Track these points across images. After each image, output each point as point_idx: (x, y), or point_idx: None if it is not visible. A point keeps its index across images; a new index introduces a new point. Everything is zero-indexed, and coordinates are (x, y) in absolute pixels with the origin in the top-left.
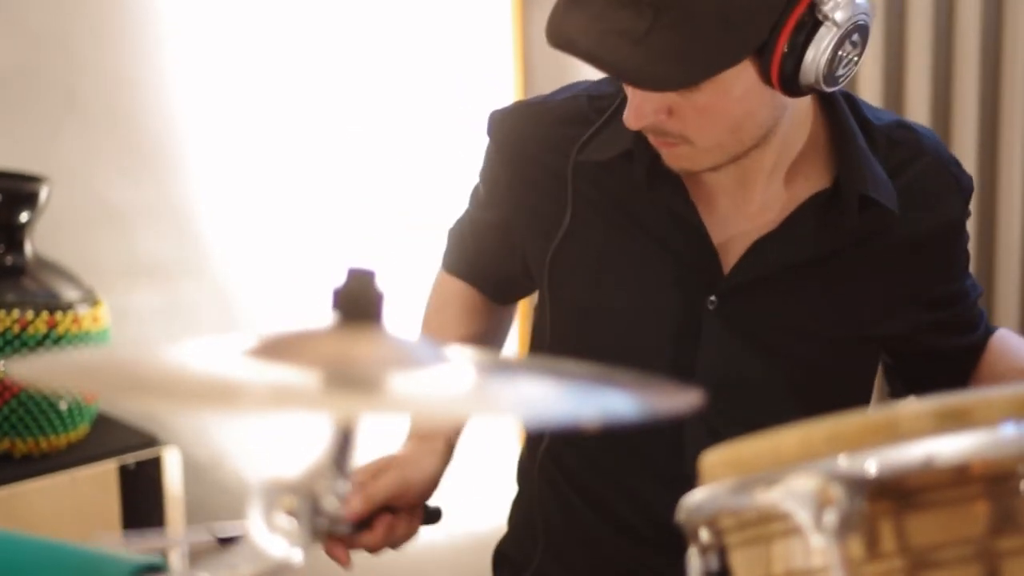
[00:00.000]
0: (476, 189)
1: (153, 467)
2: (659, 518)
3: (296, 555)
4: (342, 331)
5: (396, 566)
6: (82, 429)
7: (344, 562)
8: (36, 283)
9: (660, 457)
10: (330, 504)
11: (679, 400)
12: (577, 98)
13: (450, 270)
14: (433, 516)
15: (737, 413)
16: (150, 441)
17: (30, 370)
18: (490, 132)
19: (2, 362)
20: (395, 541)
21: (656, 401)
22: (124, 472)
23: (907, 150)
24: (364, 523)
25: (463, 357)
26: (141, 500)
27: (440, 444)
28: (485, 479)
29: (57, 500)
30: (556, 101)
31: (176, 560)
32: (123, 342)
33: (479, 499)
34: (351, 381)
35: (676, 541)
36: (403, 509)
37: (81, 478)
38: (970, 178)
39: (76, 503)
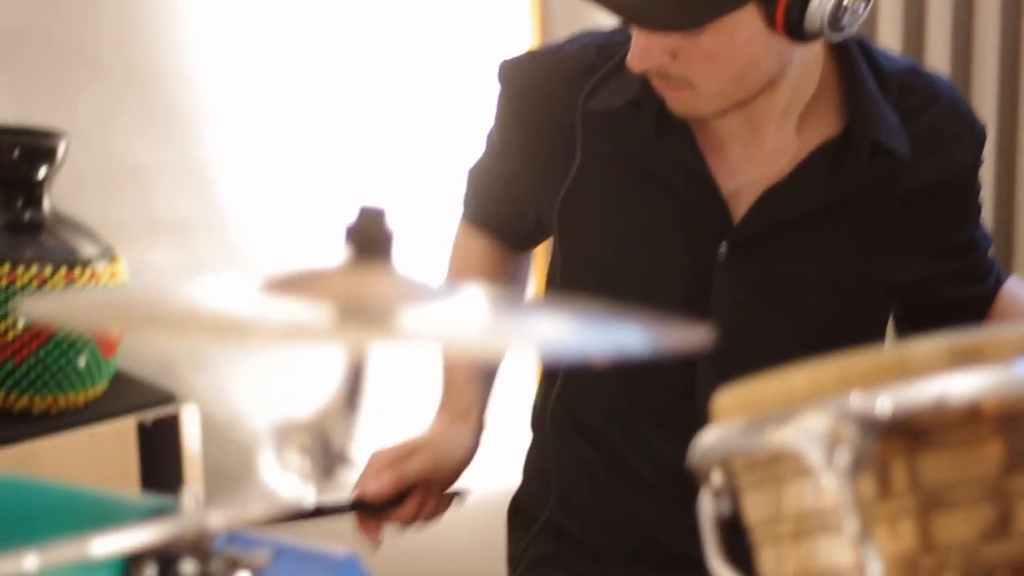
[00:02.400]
0: (490, 136)
1: (171, 424)
2: (670, 468)
3: (308, 494)
4: (353, 268)
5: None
6: (100, 386)
7: (375, 539)
8: (54, 239)
9: (671, 408)
10: (342, 442)
11: (691, 336)
12: (587, 48)
13: (470, 220)
14: (460, 497)
15: (748, 363)
16: (168, 398)
17: (45, 308)
18: (501, 80)
19: (21, 318)
20: (425, 517)
21: (668, 337)
22: (142, 429)
23: (920, 97)
24: (396, 499)
25: (475, 295)
26: (159, 457)
27: (472, 423)
28: (501, 435)
29: (75, 457)
30: (566, 51)
31: (189, 502)
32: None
33: (494, 456)
34: (363, 315)
35: (688, 491)
36: (434, 489)
37: (99, 435)
38: (983, 125)
39: (94, 460)
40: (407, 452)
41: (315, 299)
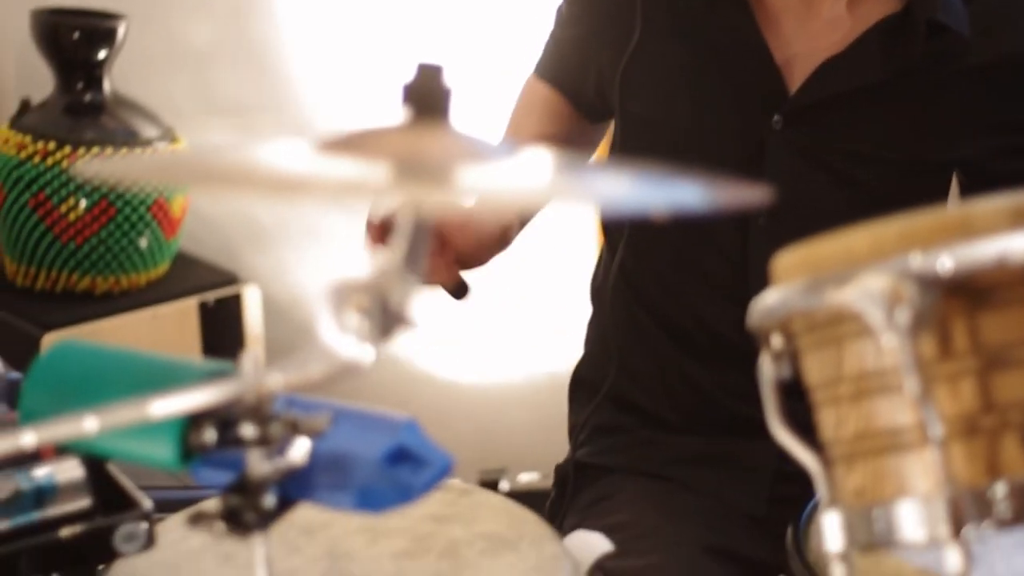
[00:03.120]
0: (559, 8)
1: (233, 305)
2: (725, 338)
3: (367, 354)
4: (411, 127)
5: (474, 404)
6: (162, 267)
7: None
8: (115, 121)
9: (725, 278)
10: (400, 301)
11: (747, 195)
12: None
13: (541, 75)
14: (463, 289)
15: (801, 231)
16: (230, 279)
17: (101, 168)
18: None
19: (83, 200)
20: (432, 274)
21: (725, 195)
22: (204, 310)
23: None
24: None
25: (534, 154)
26: (221, 338)
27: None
28: (560, 314)
29: (137, 338)
30: None
31: (248, 364)
32: None
33: (554, 336)
34: (420, 172)
35: (743, 360)
36: (453, 244)
37: (161, 316)
38: None
39: (156, 341)
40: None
41: (372, 158)
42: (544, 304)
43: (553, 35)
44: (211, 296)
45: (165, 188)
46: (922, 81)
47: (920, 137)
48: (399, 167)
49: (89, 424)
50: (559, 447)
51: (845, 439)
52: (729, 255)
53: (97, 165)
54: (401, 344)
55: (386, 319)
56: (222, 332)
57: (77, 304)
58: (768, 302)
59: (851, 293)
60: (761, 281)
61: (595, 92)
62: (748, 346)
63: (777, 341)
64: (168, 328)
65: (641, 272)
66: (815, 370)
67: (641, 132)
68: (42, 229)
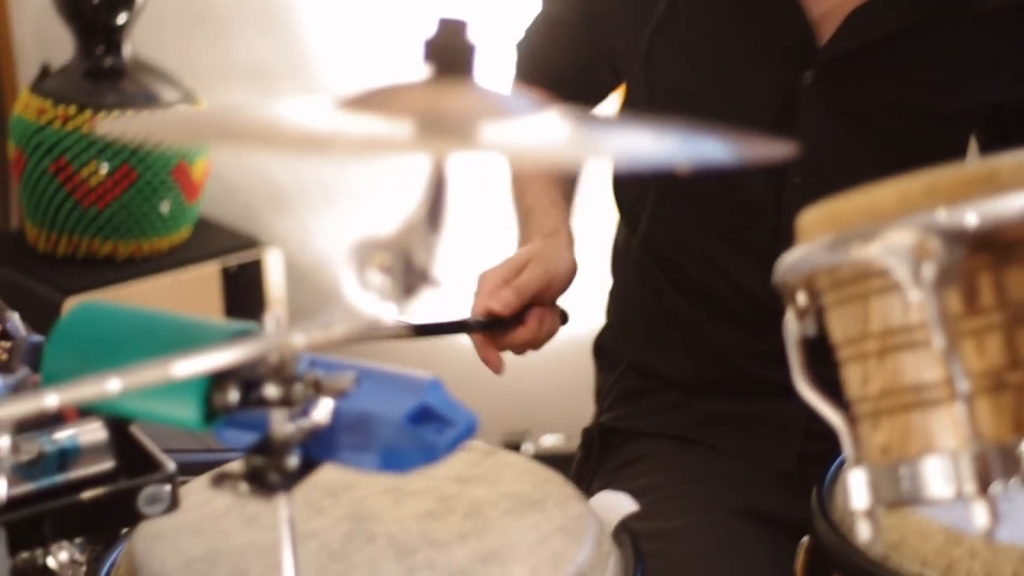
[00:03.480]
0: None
1: (254, 270)
2: (759, 302)
3: (389, 312)
4: (434, 83)
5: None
6: (184, 232)
7: (497, 367)
8: (135, 85)
9: (758, 237)
10: (423, 259)
11: (774, 149)
12: None
13: (524, 80)
14: (564, 317)
15: (834, 188)
16: (251, 243)
17: (124, 127)
18: None
19: (104, 164)
20: (542, 337)
21: (750, 148)
22: (226, 275)
23: None
24: (514, 319)
25: (558, 112)
26: (243, 303)
27: (566, 238)
28: (582, 277)
29: (159, 303)
30: None
31: (271, 324)
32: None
33: (577, 299)
34: (443, 128)
35: (772, 320)
36: (547, 303)
37: (183, 280)
38: None
39: (178, 306)
40: (517, 267)
41: (395, 114)
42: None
43: (543, 20)
44: (233, 260)
45: (187, 149)
46: (949, 26)
47: (950, 83)
48: (422, 123)
49: (112, 385)
50: (581, 410)
51: (871, 396)
52: (764, 217)
53: (119, 124)
54: (422, 305)
55: (410, 278)
56: (244, 297)
57: (99, 269)
58: (793, 259)
59: (877, 249)
60: (794, 238)
61: (605, 69)
62: (777, 308)
63: (802, 298)
64: (190, 293)
65: (666, 241)
66: (841, 327)
67: (670, 97)
68: (63, 194)
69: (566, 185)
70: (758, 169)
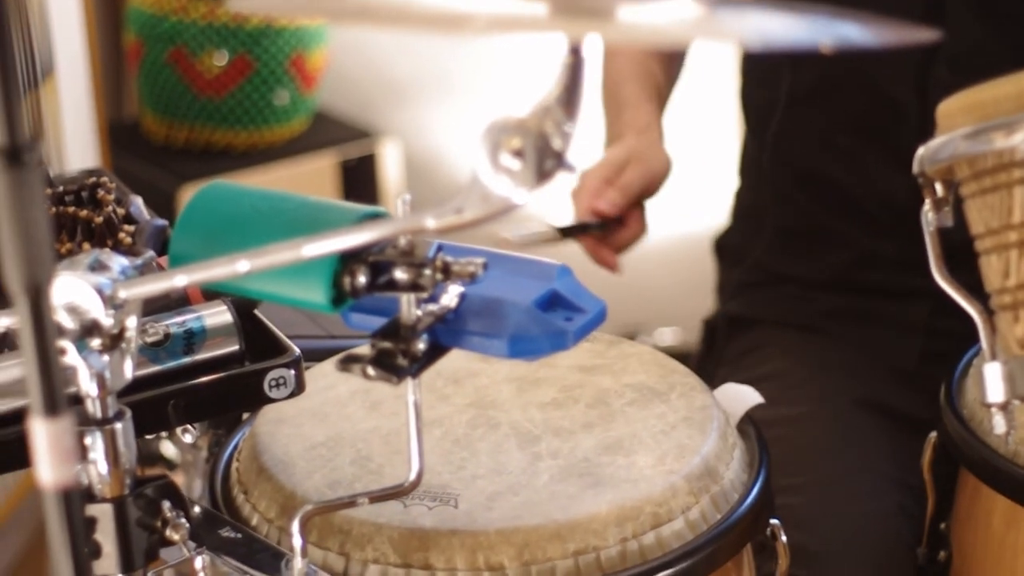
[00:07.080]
0: None
1: (372, 162)
2: (894, 202)
3: (522, 196)
4: None
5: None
6: (301, 123)
7: (614, 266)
8: None
9: (899, 138)
10: (558, 143)
11: (917, 34)
12: None
13: None
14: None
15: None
16: (369, 134)
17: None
18: None
19: (223, 53)
20: (640, 236)
21: (894, 33)
22: (343, 167)
23: None
24: (616, 220)
25: None
26: (360, 196)
27: (658, 133)
28: (699, 178)
29: None
30: None
31: (401, 206)
32: None
33: (693, 197)
34: (579, 8)
35: (907, 222)
36: (647, 199)
37: (300, 172)
38: None
39: None
40: (618, 166)
41: None
42: (683, 166)
43: None
44: (350, 152)
45: (312, 32)
46: None
47: None
48: (558, 2)
49: (241, 265)
50: (695, 306)
51: (1011, 288)
52: (908, 115)
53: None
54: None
55: (543, 161)
56: (361, 189)
57: (216, 160)
58: (933, 147)
59: (1022, 137)
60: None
61: None
62: (915, 209)
63: (940, 189)
64: (306, 185)
65: (802, 139)
66: (981, 218)
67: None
68: (181, 84)
69: (662, 80)
70: (902, 64)
